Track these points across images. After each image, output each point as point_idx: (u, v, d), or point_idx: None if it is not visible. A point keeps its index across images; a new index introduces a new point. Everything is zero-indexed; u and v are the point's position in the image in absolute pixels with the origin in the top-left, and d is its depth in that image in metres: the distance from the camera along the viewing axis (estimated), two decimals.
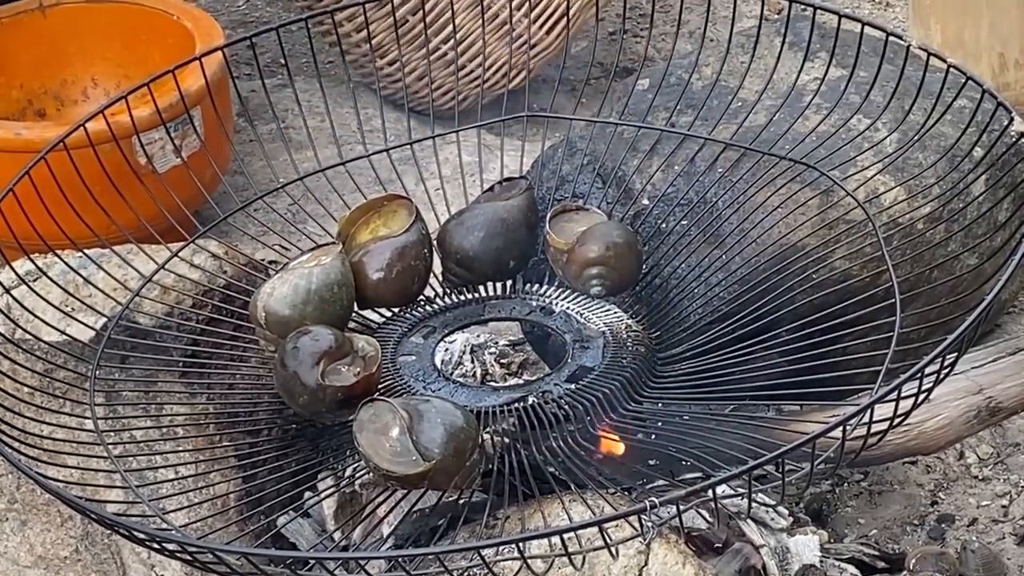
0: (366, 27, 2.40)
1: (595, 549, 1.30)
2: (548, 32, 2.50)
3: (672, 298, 1.68)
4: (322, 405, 1.50)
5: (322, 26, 2.54)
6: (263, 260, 1.77)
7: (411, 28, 2.51)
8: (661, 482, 1.49)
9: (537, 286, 1.70)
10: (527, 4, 2.47)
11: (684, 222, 1.73)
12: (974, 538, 1.77)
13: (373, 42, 2.53)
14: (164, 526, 1.42)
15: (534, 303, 1.68)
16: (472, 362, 1.93)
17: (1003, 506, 1.83)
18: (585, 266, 1.63)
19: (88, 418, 1.52)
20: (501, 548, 1.36)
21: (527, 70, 2.41)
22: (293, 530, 1.63)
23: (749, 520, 1.59)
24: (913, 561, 1.66)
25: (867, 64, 1.78)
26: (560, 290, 1.68)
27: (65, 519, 1.66)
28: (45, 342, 1.60)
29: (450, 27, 2.43)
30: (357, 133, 1.95)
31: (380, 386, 1.54)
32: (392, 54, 2.54)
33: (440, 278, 1.71)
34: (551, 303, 1.67)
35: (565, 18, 2.36)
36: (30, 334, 1.60)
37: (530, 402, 1.52)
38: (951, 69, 1.64)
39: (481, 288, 1.71)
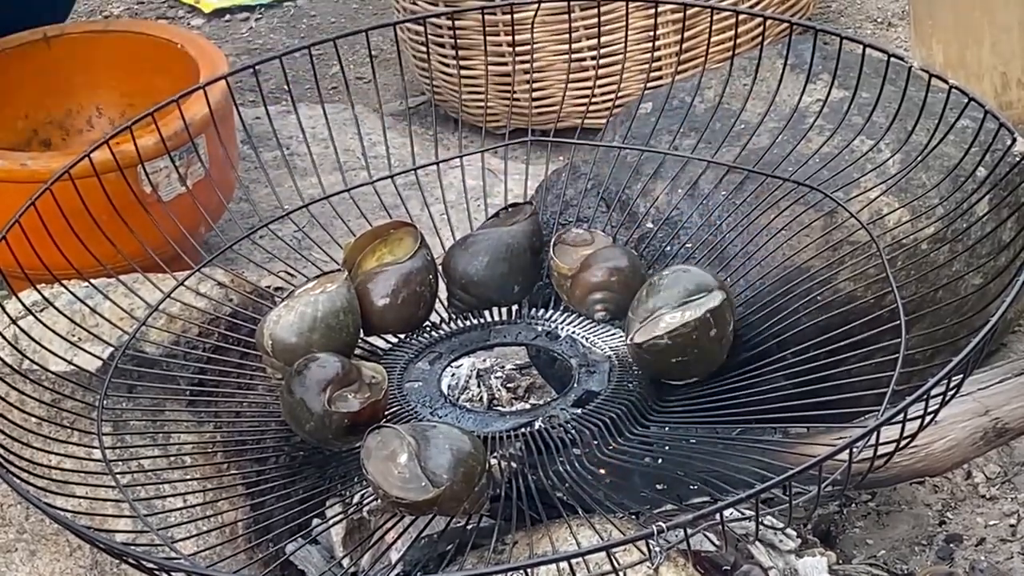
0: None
1: (603, 574, 1.30)
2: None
3: None
4: (329, 432, 1.51)
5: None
6: (269, 288, 1.77)
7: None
8: (669, 506, 1.49)
9: (542, 311, 1.70)
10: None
11: (688, 245, 1.73)
12: (982, 558, 1.77)
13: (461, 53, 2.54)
14: (173, 555, 1.42)
15: (540, 328, 1.68)
16: (478, 387, 1.94)
17: (1011, 525, 1.82)
18: (589, 291, 1.64)
19: (96, 447, 1.53)
20: (509, 574, 1.36)
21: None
22: (302, 557, 1.63)
23: (757, 543, 1.59)
24: None
25: (869, 85, 1.78)
26: (565, 314, 1.69)
27: (74, 549, 1.66)
28: (52, 372, 1.60)
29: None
30: (361, 159, 1.95)
31: (387, 412, 1.54)
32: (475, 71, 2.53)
33: (446, 304, 1.71)
34: (557, 328, 1.68)
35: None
36: (37, 364, 1.60)
37: (537, 427, 1.53)
38: (953, 89, 1.65)
39: (487, 313, 1.71)
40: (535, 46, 2.50)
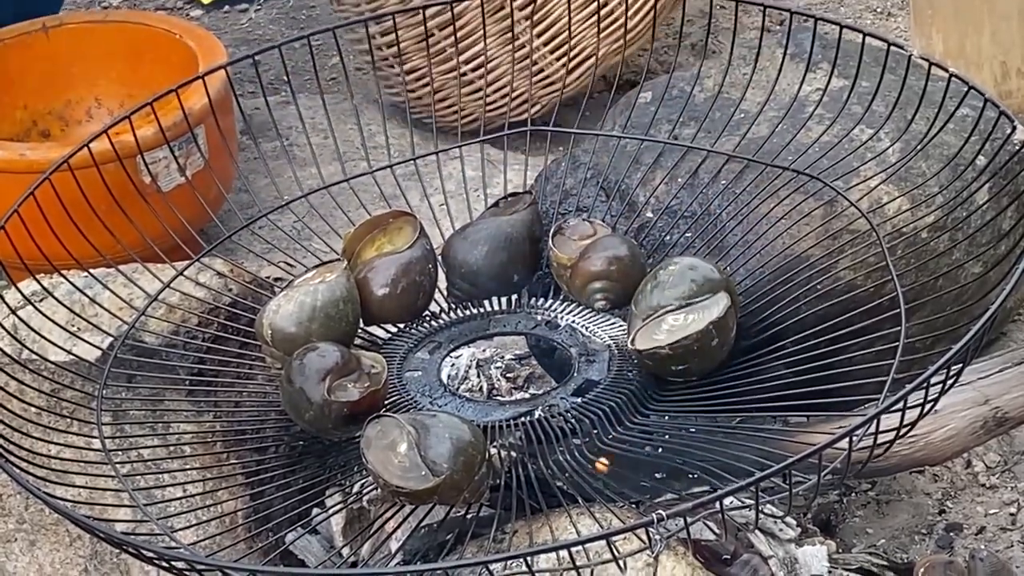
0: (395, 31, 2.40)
1: (603, 562, 1.30)
2: (570, 72, 2.49)
3: None
4: (328, 421, 1.50)
5: (354, 34, 2.55)
6: (268, 278, 1.77)
7: (437, 43, 2.51)
8: (669, 495, 1.49)
9: (542, 300, 1.70)
10: (552, 42, 2.48)
11: (688, 234, 1.73)
12: (982, 546, 1.77)
13: (401, 50, 2.53)
14: (173, 544, 1.42)
15: (539, 317, 1.68)
16: (478, 377, 1.93)
17: (1011, 514, 1.83)
18: (589, 280, 1.63)
19: (95, 437, 1.53)
20: (509, 562, 1.36)
21: (548, 104, 2.40)
22: (301, 547, 1.63)
23: (757, 531, 1.59)
24: (921, 570, 1.66)
25: (869, 74, 1.78)
26: (565, 304, 1.69)
27: (74, 539, 1.66)
28: (52, 362, 1.60)
29: (477, 47, 2.43)
30: (361, 149, 1.96)
31: (386, 402, 1.54)
32: (422, 69, 2.53)
33: (445, 293, 1.71)
34: (556, 317, 1.67)
35: (594, 59, 2.35)
36: (36, 354, 1.60)
37: (537, 416, 1.53)
38: (953, 78, 1.64)
39: (486, 303, 1.71)
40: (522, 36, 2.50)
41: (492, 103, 2.46)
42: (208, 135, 2.18)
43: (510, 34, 2.35)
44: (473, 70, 2.47)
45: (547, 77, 2.50)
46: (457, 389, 1.81)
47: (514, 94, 2.47)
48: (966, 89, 1.63)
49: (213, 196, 2.04)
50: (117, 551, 1.61)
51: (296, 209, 1.82)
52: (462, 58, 2.46)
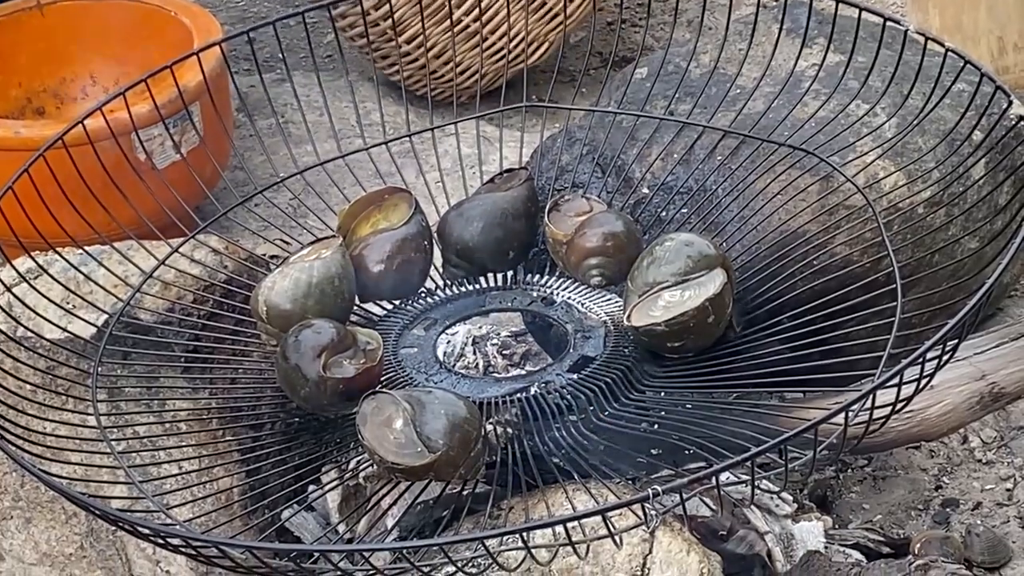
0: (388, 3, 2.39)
1: (599, 538, 1.30)
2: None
3: None
4: (324, 398, 1.50)
5: (347, 18, 2.54)
6: (264, 255, 1.77)
7: (433, 2, 2.49)
8: (665, 470, 1.49)
9: (538, 276, 1.70)
10: None
11: (684, 210, 1.73)
12: (979, 522, 1.77)
13: (395, 17, 2.52)
14: (168, 521, 1.42)
15: (535, 294, 1.68)
16: (474, 353, 1.93)
17: (1007, 489, 1.83)
18: (585, 256, 1.63)
19: (91, 415, 1.53)
20: (505, 538, 1.36)
21: (553, 42, 2.37)
22: (297, 523, 1.63)
23: (753, 507, 1.59)
24: (918, 546, 1.66)
25: (865, 49, 1.78)
26: (561, 280, 1.68)
27: (69, 516, 1.66)
28: (47, 339, 1.60)
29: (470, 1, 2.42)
30: (356, 127, 1.95)
31: (382, 378, 1.54)
32: (414, 28, 2.52)
33: (441, 270, 1.71)
34: (552, 293, 1.67)
35: None
36: (32, 332, 1.60)
37: (532, 392, 1.52)
38: (950, 53, 1.64)
39: (482, 279, 1.71)
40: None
41: (491, 51, 2.43)
42: (203, 112, 2.18)
43: None
44: (466, 13, 2.45)
45: (550, 11, 2.47)
46: (453, 366, 1.81)
47: (519, 37, 2.45)
48: (963, 64, 1.63)
49: (208, 173, 2.03)
50: (113, 528, 1.60)
51: (292, 186, 1.82)
52: (459, 7, 2.44)
